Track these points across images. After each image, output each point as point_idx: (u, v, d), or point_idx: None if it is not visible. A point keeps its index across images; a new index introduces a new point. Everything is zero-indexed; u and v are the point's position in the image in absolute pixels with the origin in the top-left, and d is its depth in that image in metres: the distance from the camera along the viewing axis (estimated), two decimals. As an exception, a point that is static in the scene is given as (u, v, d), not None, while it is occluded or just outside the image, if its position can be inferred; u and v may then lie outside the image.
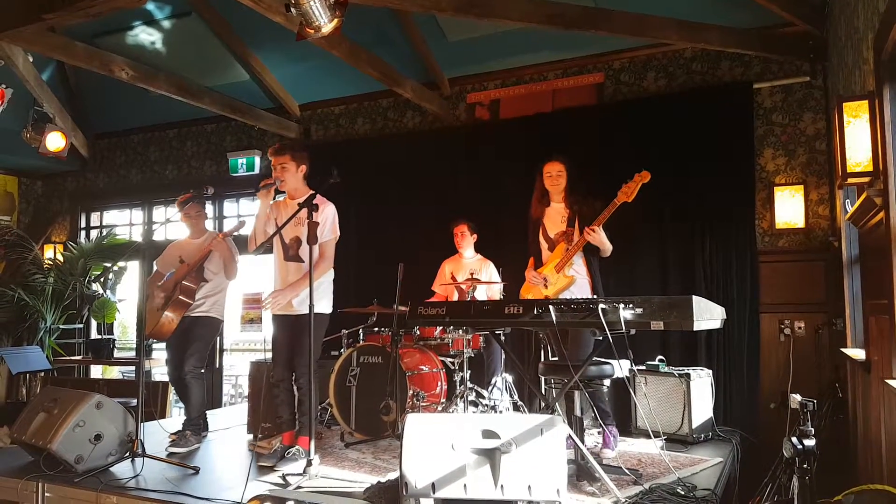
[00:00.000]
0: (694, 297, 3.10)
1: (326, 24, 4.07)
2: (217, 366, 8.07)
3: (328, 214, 4.24)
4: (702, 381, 4.87)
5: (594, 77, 6.38)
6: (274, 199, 4.39)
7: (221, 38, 7.05)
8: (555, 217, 4.53)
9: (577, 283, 4.37)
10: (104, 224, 9.34)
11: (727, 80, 5.82)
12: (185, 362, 4.76)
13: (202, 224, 5.19)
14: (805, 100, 5.58)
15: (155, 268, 5.24)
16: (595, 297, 4.25)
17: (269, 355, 4.42)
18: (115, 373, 9.02)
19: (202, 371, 4.91)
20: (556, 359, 4.43)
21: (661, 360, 5.04)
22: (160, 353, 9.07)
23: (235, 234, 4.98)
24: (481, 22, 5.52)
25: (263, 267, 5.10)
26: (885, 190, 2.91)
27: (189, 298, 4.85)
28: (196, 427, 4.85)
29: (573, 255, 4.35)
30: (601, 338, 3.45)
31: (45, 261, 8.70)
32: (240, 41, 7.02)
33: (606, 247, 4.33)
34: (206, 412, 5.22)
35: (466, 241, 5.75)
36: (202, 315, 4.95)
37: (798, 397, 2.41)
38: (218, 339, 7.87)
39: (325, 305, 4.27)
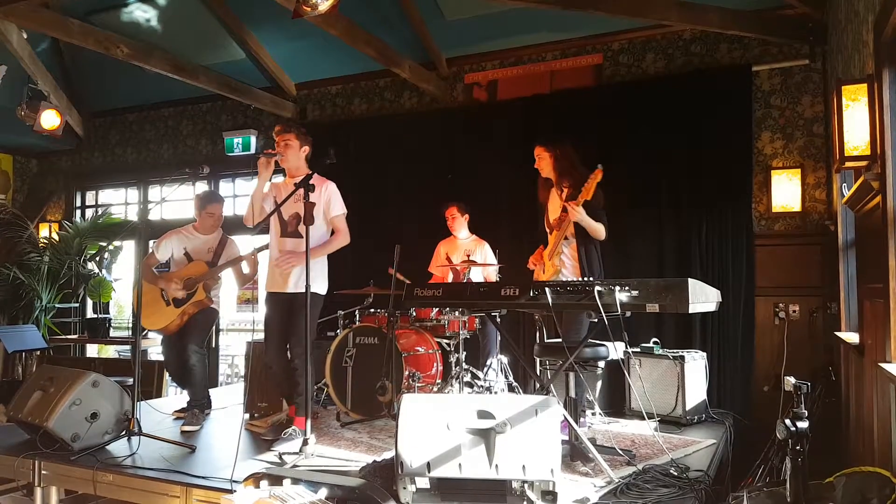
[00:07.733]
0: (689, 279, 3.10)
1: (323, 1, 4.04)
2: (214, 346, 8.09)
3: (332, 192, 4.28)
4: (696, 364, 4.89)
5: (593, 58, 6.34)
6: (273, 173, 4.38)
7: (217, 15, 6.97)
8: (555, 202, 4.44)
9: (562, 273, 4.27)
10: (99, 203, 9.30)
11: (726, 63, 5.79)
12: (188, 346, 4.81)
13: (216, 224, 5.17)
14: (804, 83, 5.56)
15: (151, 250, 5.22)
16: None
17: (264, 335, 4.42)
18: (110, 352, 9.02)
19: (204, 351, 4.98)
20: (551, 340, 4.43)
21: (655, 343, 5.05)
22: (156, 333, 9.10)
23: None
24: None
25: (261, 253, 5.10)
26: (882, 174, 2.91)
27: (210, 300, 5.00)
28: (202, 405, 4.93)
29: (559, 243, 4.27)
30: (596, 320, 3.45)
31: (41, 240, 8.67)
32: (236, 18, 6.94)
33: (593, 227, 4.16)
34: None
35: (458, 223, 5.75)
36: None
37: (792, 380, 2.42)
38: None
39: (320, 285, 4.27)
